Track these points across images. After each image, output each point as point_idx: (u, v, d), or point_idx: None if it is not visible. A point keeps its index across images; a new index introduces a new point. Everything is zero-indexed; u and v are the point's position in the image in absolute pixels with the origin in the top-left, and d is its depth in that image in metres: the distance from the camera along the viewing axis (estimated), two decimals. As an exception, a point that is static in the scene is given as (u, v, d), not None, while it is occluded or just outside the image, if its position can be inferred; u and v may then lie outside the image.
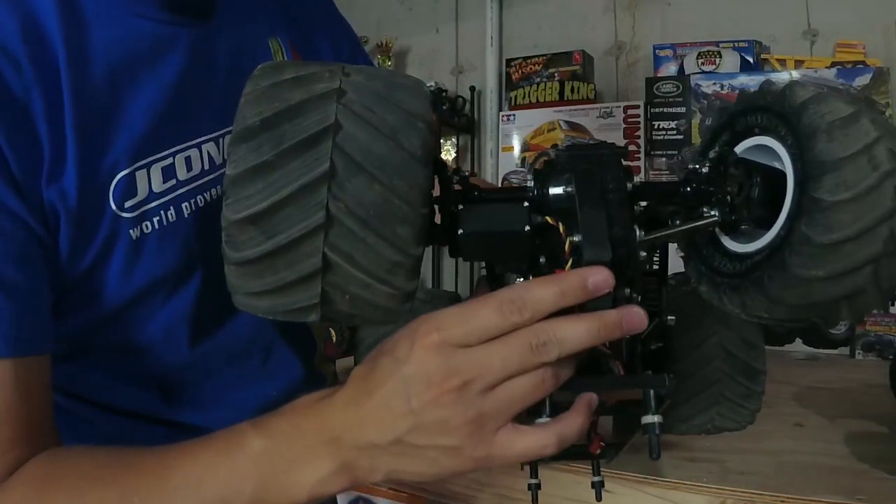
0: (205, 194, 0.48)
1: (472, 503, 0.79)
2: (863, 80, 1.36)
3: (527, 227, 0.37)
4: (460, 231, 0.38)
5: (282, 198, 0.32)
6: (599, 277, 0.33)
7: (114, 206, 0.43)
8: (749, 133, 0.41)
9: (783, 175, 0.37)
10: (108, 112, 0.42)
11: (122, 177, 0.43)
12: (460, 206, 0.38)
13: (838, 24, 1.46)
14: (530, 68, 1.74)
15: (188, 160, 0.46)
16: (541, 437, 0.34)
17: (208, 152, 0.48)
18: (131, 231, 0.43)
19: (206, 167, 0.48)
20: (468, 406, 0.33)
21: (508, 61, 1.79)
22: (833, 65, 1.41)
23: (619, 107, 1.58)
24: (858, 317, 0.39)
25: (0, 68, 0.38)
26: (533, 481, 0.42)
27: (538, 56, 1.73)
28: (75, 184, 0.41)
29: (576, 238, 0.36)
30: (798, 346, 1.32)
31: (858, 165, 0.34)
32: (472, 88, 1.91)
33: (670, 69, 1.55)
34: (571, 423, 0.35)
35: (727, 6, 1.59)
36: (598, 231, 0.35)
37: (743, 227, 0.40)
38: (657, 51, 1.57)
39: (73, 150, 0.40)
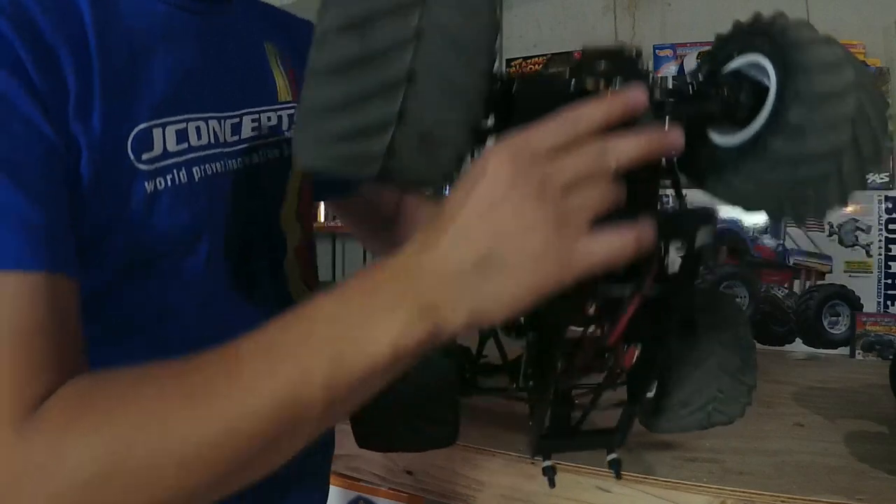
0: (213, 165, 0.50)
1: (471, 503, 0.79)
2: (863, 80, 1.36)
3: (571, 89, 0.41)
4: (514, 88, 0.41)
5: (378, 9, 0.34)
6: (635, 93, 0.36)
7: (132, 156, 0.44)
8: (738, 53, 0.47)
9: (763, 85, 0.43)
10: (128, 71, 0.45)
11: (140, 129, 0.44)
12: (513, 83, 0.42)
13: (838, 24, 1.46)
14: (530, 68, 1.74)
15: (198, 129, 0.49)
16: (619, 235, 0.35)
17: (213, 129, 0.50)
18: (146, 184, 0.44)
19: (213, 141, 0.50)
20: (551, 205, 0.34)
21: (508, 61, 1.80)
22: (833, 65, 1.41)
23: (619, 107, 1.58)
24: (843, 196, 0.44)
25: (29, 7, 0.40)
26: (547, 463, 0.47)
27: (538, 56, 1.73)
28: (100, 124, 0.42)
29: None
30: (798, 346, 1.32)
31: (831, 73, 0.41)
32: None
33: (670, 69, 1.55)
34: (644, 226, 0.36)
35: (727, 6, 1.59)
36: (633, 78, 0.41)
37: (736, 116, 0.45)
38: (657, 51, 1.57)
39: (99, 95, 0.42)
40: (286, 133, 0.59)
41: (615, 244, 0.35)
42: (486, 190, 0.34)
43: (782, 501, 0.63)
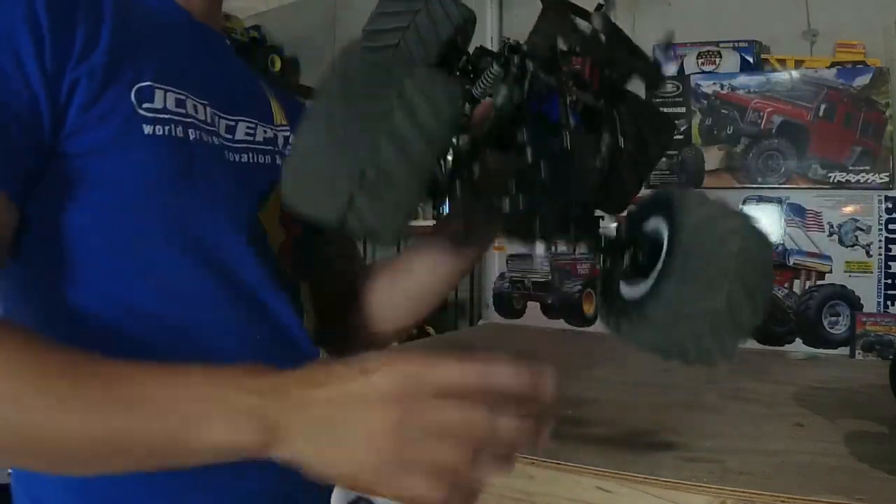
0: (210, 137, 0.54)
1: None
2: (863, 80, 1.36)
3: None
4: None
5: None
6: (549, 387, 0.41)
7: (133, 102, 0.48)
8: (653, 216, 0.54)
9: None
10: (136, 41, 0.50)
11: (144, 85, 0.49)
12: None
13: (838, 24, 1.46)
14: (530, 68, 1.74)
15: (196, 107, 0.53)
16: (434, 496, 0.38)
17: (210, 114, 0.55)
18: (145, 126, 0.49)
19: (210, 122, 0.55)
20: (401, 439, 0.37)
21: (508, 61, 1.79)
22: (833, 65, 1.41)
23: (619, 107, 1.58)
24: (701, 359, 0.50)
25: None
26: None
27: (538, 56, 1.73)
28: (102, 67, 0.47)
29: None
30: (798, 346, 1.32)
31: (711, 247, 0.47)
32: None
33: (670, 69, 1.55)
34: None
35: (727, 6, 1.60)
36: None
37: (632, 279, 0.52)
38: (657, 51, 1.57)
39: (105, 43, 0.47)
40: (281, 148, 0.62)
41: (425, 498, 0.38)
42: (368, 392, 0.37)
43: (782, 501, 0.63)
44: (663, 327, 0.49)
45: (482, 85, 0.55)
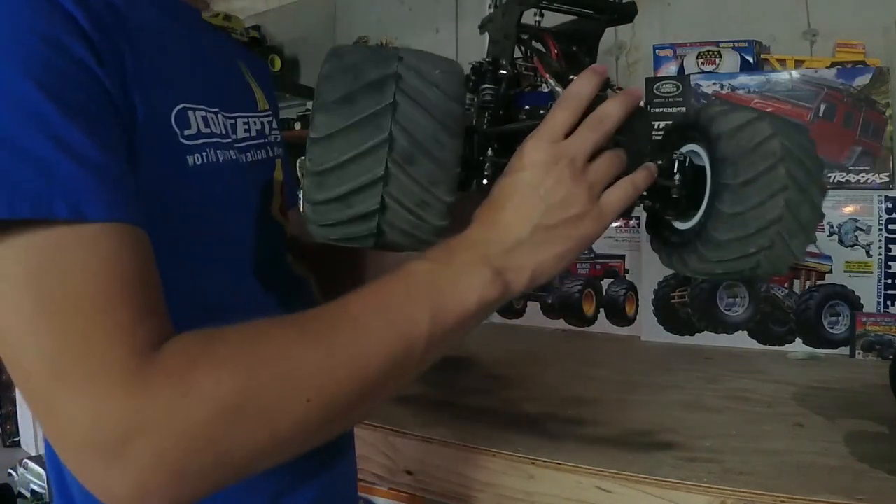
0: (228, 152, 0.52)
1: (471, 503, 0.79)
2: (863, 80, 1.36)
3: None
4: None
5: (356, 120, 0.43)
6: (599, 67, 0.50)
7: (176, 130, 0.46)
8: (684, 142, 0.55)
9: (704, 174, 0.51)
10: (163, 60, 0.47)
11: (179, 108, 0.47)
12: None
13: (838, 24, 1.46)
14: (530, 68, 1.74)
15: (213, 119, 0.51)
16: (623, 187, 0.48)
17: (221, 122, 0.53)
18: (188, 157, 0.46)
19: (224, 132, 0.53)
20: (579, 177, 0.46)
21: (508, 61, 1.79)
22: (833, 65, 1.41)
23: (619, 107, 1.58)
24: (775, 269, 0.51)
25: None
26: None
27: (538, 56, 1.72)
28: (152, 95, 0.44)
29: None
30: (798, 346, 1.32)
31: (754, 157, 0.48)
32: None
33: (670, 69, 1.55)
34: (636, 176, 0.50)
35: (727, 6, 1.59)
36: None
37: (680, 211, 0.54)
38: (657, 51, 1.57)
39: (146, 69, 0.44)
40: (269, 137, 0.62)
41: (628, 192, 0.48)
42: (530, 177, 0.45)
43: (782, 501, 0.63)
44: (731, 248, 0.49)
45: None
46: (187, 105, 0.47)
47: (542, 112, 0.51)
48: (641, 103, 0.52)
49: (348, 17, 2.24)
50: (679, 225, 0.54)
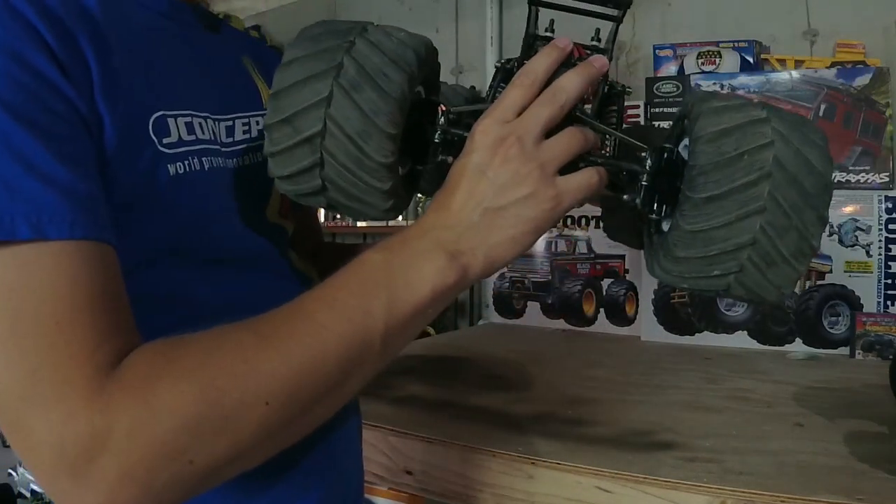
0: (216, 159, 0.52)
1: (471, 503, 0.79)
2: (863, 80, 1.36)
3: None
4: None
5: (316, 51, 0.47)
6: (562, 41, 0.49)
7: (154, 139, 0.45)
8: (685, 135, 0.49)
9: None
10: (139, 65, 0.46)
11: (158, 116, 0.46)
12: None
13: (838, 24, 1.46)
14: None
15: (201, 125, 0.51)
16: (586, 173, 0.46)
17: (212, 127, 0.53)
18: (170, 166, 0.46)
19: (213, 138, 0.52)
20: (529, 156, 0.43)
21: (508, 61, 1.79)
22: (833, 65, 1.41)
23: (619, 107, 1.58)
24: (760, 296, 0.44)
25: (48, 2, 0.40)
26: None
27: (538, 56, 1.72)
28: (123, 105, 0.43)
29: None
30: (798, 346, 1.32)
31: (732, 168, 0.42)
32: (472, 88, 1.90)
33: (670, 69, 1.55)
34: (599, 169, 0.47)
35: (727, 6, 1.59)
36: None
37: (658, 210, 0.48)
38: (657, 51, 1.57)
39: (120, 78, 0.43)
40: None
41: (586, 176, 0.46)
42: (479, 158, 0.44)
43: (782, 501, 0.63)
44: (690, 265, 0.44)
45: None
46: (167, 112, 0.46)
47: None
48: (611, 78, 0.50)
49: (348, 17, 2.23)
50: (664, 227, 0.49)
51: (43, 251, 0.36)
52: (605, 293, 1.55)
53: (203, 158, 0.49)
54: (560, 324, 1.59)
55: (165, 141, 0.46)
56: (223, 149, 0.54)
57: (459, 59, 1.97)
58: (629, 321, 1.52)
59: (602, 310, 1.56)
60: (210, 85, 0.55)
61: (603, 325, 1.55)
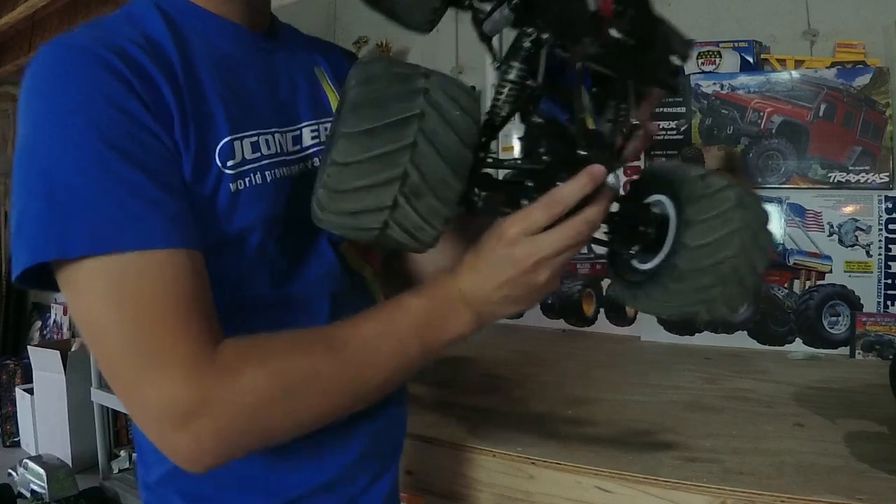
0: (281, 169, 0.59)
1: (471, 503, 0.79)
2: (863, 80, 1.36)
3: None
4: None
5: (376, 154, 0.48)
6: (596, 169, 0.51)
7: (219, 163, 0.54)
8: (653, 192, 0.59)
9: (667, 220, 0.56)
10: (208, 96, 0.55)
11: (224, 142, 0.55)
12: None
13: (838, 24, 1.46)
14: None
15: (267, 141, 0.59)
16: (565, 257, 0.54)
17: (278, 140, 0.60)
18: (231, 185, 0.55)
19: (279, 150, 0.60)
20: (542, 272, 0.52)
21: (508, 61, 1.79)
22: (833, 65, 1.41)
23: (619, 107, 1.58)
24: (721, 311, 0.55)
25: (132, 51, 0.51)
26: None
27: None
28: (195, 139, 0.53)
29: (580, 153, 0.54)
30: (798, 346, 1.32)
31: (713, 223, 0.52)
32: (472, 88, 1.90)
33: (670, 69, 1.55)
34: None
35: (727, 6, 1.60)
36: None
37: (640, 254, 0.58)
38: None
39: (191, 115, 0.53)
40: None
41: (569, 257, 0.54)
42: (502, 255, 0.52)
43: (782, 501, 0.63)
44: (681, 293, 0.54)
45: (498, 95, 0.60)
46: (234, 136, 0.56)
47: (543, 155, 0.54)
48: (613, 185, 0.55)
49: (348, 16, 2.24)
50: (639, 266, 0.58)
51: (150, 258, 0.47)
52: (605, 293, 1.56)
53: (266, 172, 0.58)
54: (560, 324, 1.59)
55: (230, 163, 0.55)
56: (289, 157, 0.61)
57: (459, 60, 1.97)
58: (629, 321, 1.52)
59: (602, 310, 1.56)
60: (277, 100, 0.62)
61: (603, 325, 1.55)
